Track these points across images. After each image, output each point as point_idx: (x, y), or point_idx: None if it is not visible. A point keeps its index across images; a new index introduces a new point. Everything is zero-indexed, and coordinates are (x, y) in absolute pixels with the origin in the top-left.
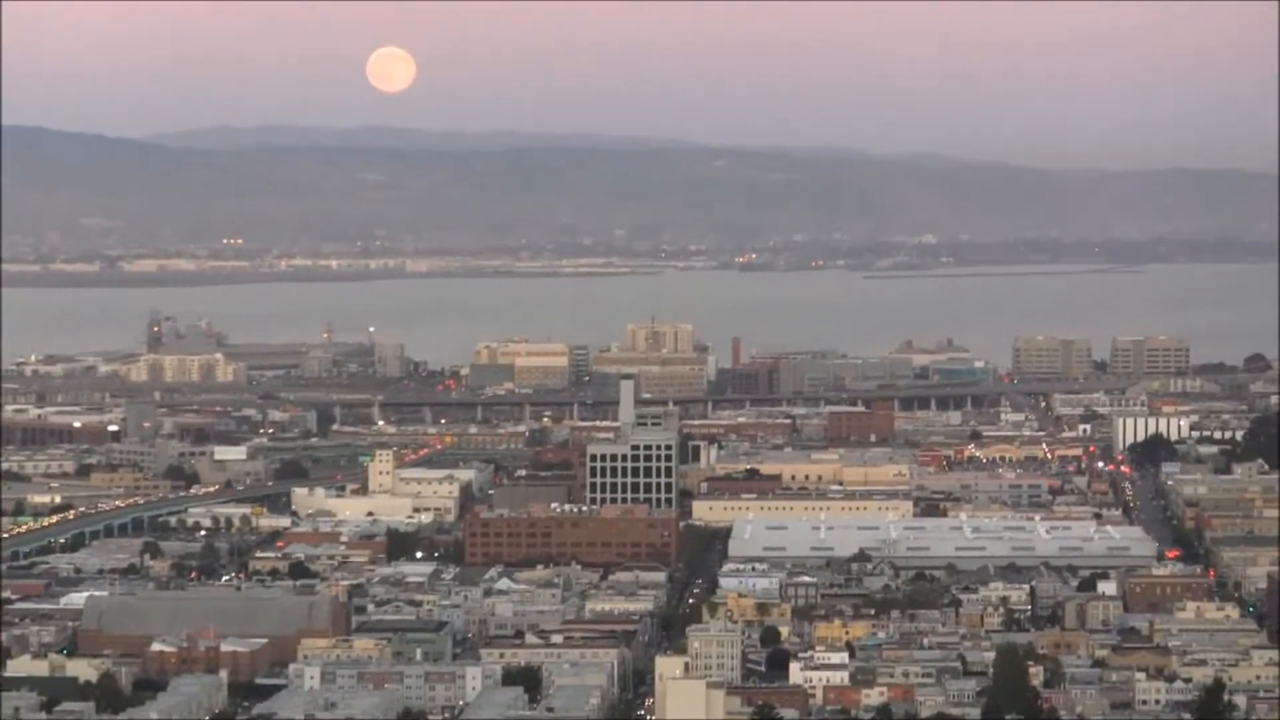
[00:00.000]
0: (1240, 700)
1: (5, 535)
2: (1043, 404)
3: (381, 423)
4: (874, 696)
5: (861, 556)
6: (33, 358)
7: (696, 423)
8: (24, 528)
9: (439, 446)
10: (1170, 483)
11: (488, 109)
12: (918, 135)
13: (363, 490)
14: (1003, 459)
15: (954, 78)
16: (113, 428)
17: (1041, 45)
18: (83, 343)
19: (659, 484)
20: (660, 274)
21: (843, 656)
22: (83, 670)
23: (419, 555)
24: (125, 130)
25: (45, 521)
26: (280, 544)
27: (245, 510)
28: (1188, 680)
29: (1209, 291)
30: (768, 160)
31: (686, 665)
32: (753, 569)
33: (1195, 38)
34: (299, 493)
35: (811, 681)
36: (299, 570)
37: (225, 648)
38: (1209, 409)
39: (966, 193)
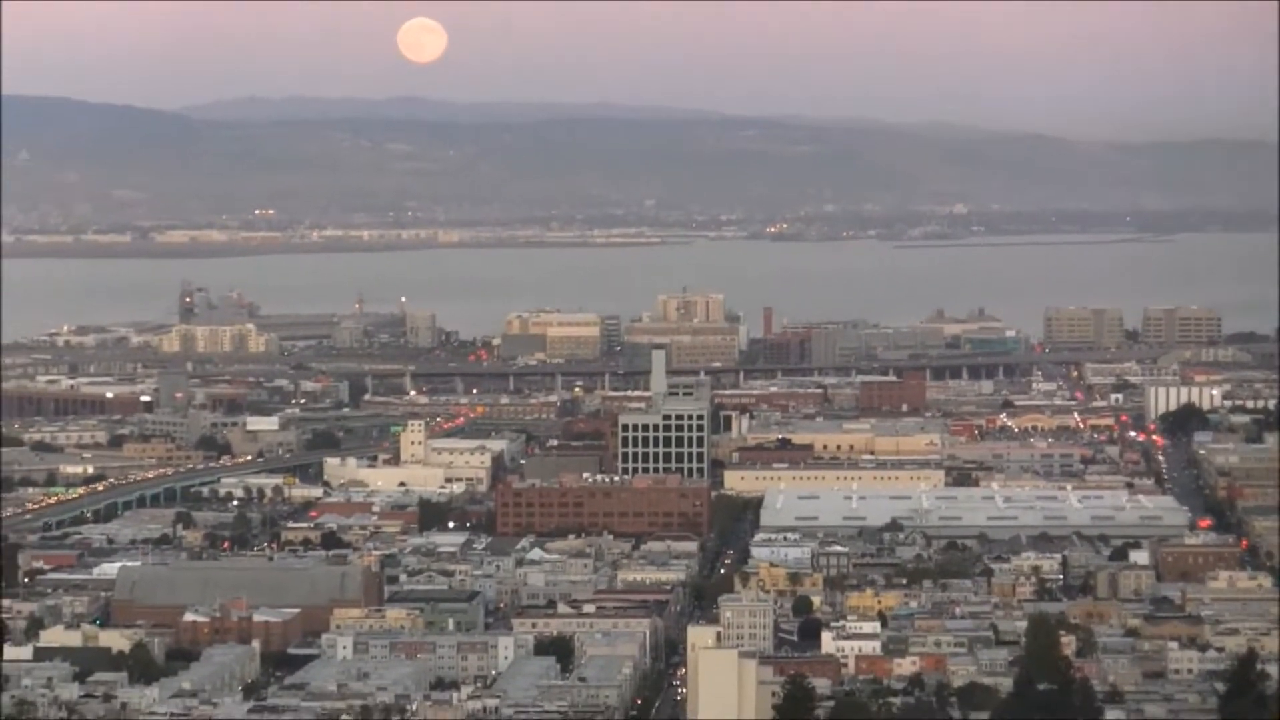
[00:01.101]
0: (1273, 670)
1: (38, 505)
2: (1074, 374)
3: (413, 393)
4: (906, 666)
5: (893, 526)
6: (65, 328)
7: (728, 393)
8: (56, 498)
9: (471, 417)
10: (1202, 452)
11: (518, 80)
12: (944, 106)
13: (395, 460)
14: (1034, 429)
15: (979, 51)
16: (145, 398)
17: (1068, 16)
18: (115, 314)
19: (691, 454)
20: (691, 244)
21: (875, 626)
22: (115, 641)
23: (451, 525)
24: (155, 102)
25: (78, 492)
26: (312, 514)
27: (277, 481)
28: (1220, 650)
29: (1240, 261)
30: (796, 131)
31: (719, 635)
32: (784, 539)
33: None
34: (331, 463)
35: (844, 651)
36: (331, 540)
37: (258, 618)
38: (1241, 378)
39: (995, 163)
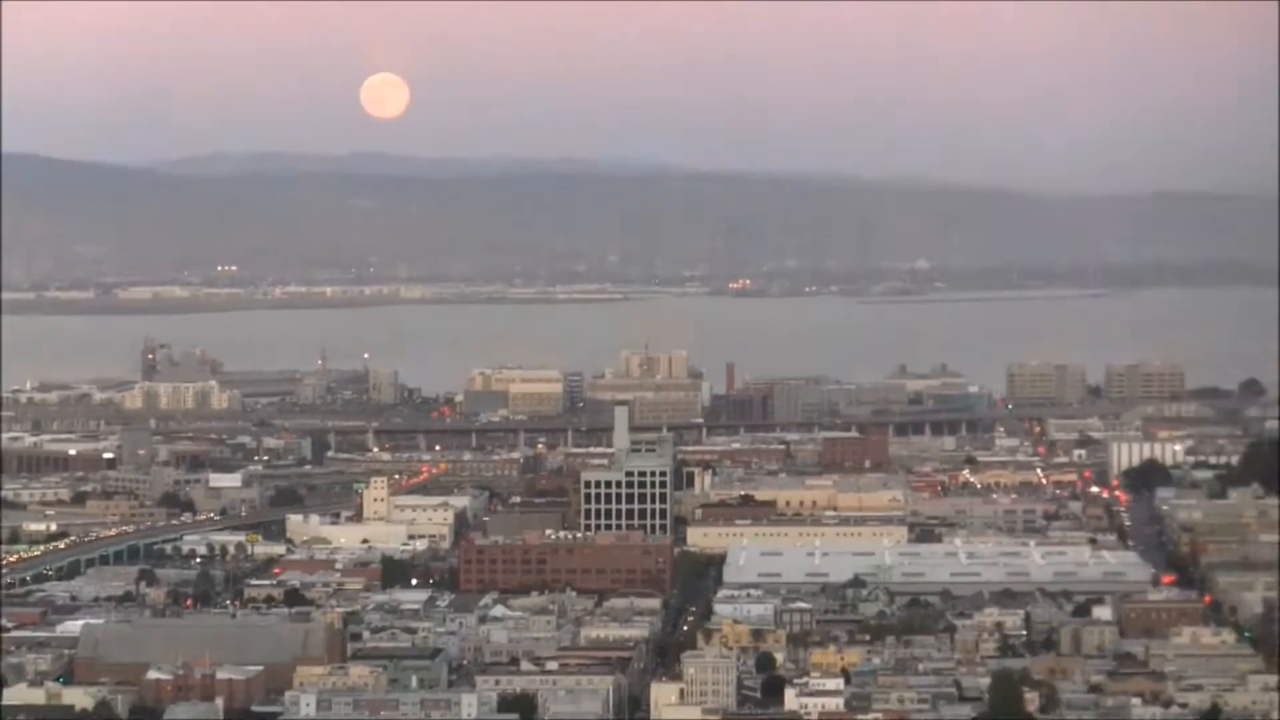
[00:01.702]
0: None
1: (6, 562)
2: (1037, 429)
3: (376, 450)
4: None
5: (856, 582)
6: (28, 385)
7: (691, 449)
8: (18, 556)
9: (434, 473)
10: (1165, 508)
11: (481, 136)
12: (906, 160)
13: (357, 517)
14: (997, 484)
15: (941, 102)
16: (108, 455)
17: (1024, 69)
18: (77, 370)
19: (653, 510)
20: (654, 300)
21: (838, 683)
22: (79, 698)
23: (414, 582)
24: (118, 157)
25: (41, 549)
26: (276, 571)
27: (240, 538)
28: (1184, 706)
29: (1202, 316)
30: (759, 186)
31: (682, 692)
32: (747, 595)
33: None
34: (294, 520)
35: (807, 708)
36: (294, 598)
37: (221, 675)
38: (1204, 434)
39: (957, 217)
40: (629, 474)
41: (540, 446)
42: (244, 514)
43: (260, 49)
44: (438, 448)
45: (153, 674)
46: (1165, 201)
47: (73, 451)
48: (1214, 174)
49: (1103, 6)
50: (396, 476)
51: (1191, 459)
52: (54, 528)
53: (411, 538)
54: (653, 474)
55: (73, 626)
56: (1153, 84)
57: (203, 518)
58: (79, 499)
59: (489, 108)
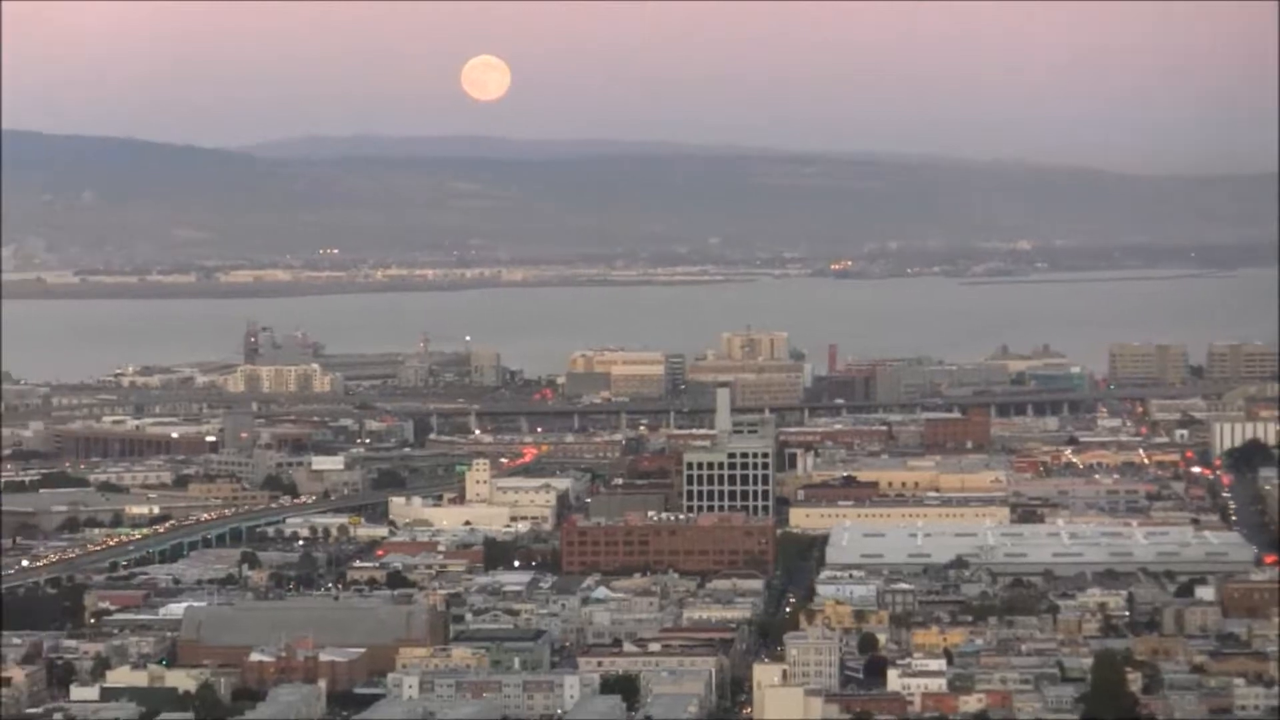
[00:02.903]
0: None
1: (103, 546)
2: (1139, 409)
3: (478, 432)
4: (971, 703)
5: (959, 563)
6: (130, 369)
7: (793, 430)
8: (119, 539)
9: (535, 455)
10: (1268, 488)
11: (582, 118)
12: (1001, 140)
13: (460, 499)
14: (1099, 465)
15: (1036, 83)
16: (210, 438)
17: (1123, 50)
18: (180, 354)
19: (756, 491)
20: (755, 281)
21: (940, 663)
22: (182, 681)
23: (516, 564)
24: (219, 141)
25: (143, 533)
26: (378, 553)
27: (343, 520)
28: None
29: None
30: (859, 167)
31: (784, 673)
32: (850, 576)
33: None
34: (396, 502)
35: (909, 688)
36: (396, 580)
37: (323, 657)
38: None
39: (1055, 198)
40: (731, 455)
41: (642, 428)
42: (346, 496)
43: (360, 31)
44: (539, 430)
45: (255, 656)
46: (1263, 182)
47: (175, 435)
48: None
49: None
50: (499, 459)
51: None
52: (156, 511)
53: (514, 519)
54: (755, 455)
55: (175, 609)
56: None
57: (305, 500)
58: (181, 482)
59: (590, 91)
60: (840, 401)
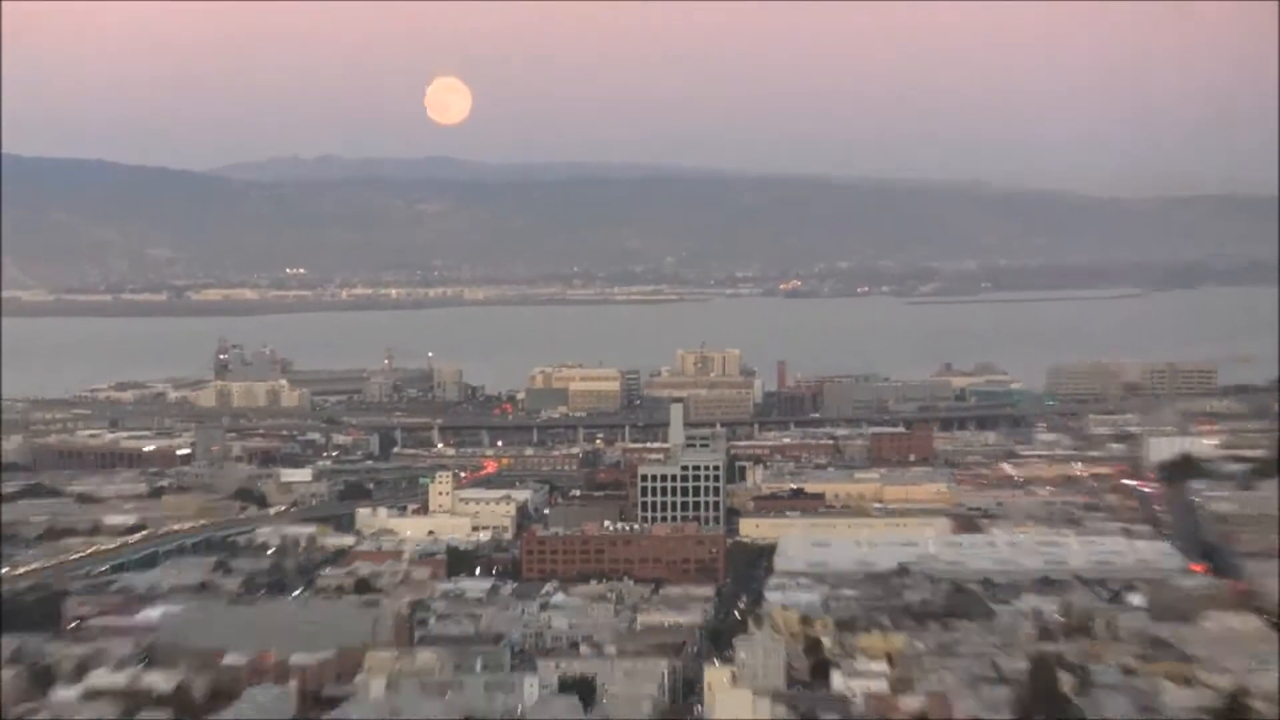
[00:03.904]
0: (1262, 706)
1: (83, 554)
2: (1076, 425)
3: (441, 445)
4: (912, 704)
5: (901, 570)
6: (105, 384)
7: (743, 444)
8: (93, 549)
9: (496, 468)
10: (1198, 499)
11: (543, 141)
12: (954, 162)
13: (423, 510)
14: (1037, 477)
15: (988, 107)
16: (182, 451)
17: (1071, 76)
18: (153, 370)
19: (707, 503)
20: (709, 301)
21: (882, 665)
22: (159, 682)
23: (478, 571)
24: (188, 163)
25: (119, 542)
26: (345, 561)
27: (311, 530)
28: (1212, 688)
29: (1234, 316)
30: (814, 190)
31: (734, 674)
32: (797, 583)
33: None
34: (363, 513)
35: (852, 689)
36: (364, 586)
37: (294, 660)
38: (1236, 428)
39: (1004, 219)
40: (684, 468)
41: (599, 442)
42: (314, 507)
43: (327, 55)
44: (500, 443)
45: (229, 659)
46: (1209, 204)
47: (149, 448)
48: (1254, 176)
49: (1134, 7)
50: (460, 471)
51: (1224, 452)
52: (132, 521)
53: (475, 529)
54: (707, 468)
55: (152, 614)
56: (1187, 89)
57: (275, 511)
58: (155, 493)
59: (552, 113)
60: (789, 417)
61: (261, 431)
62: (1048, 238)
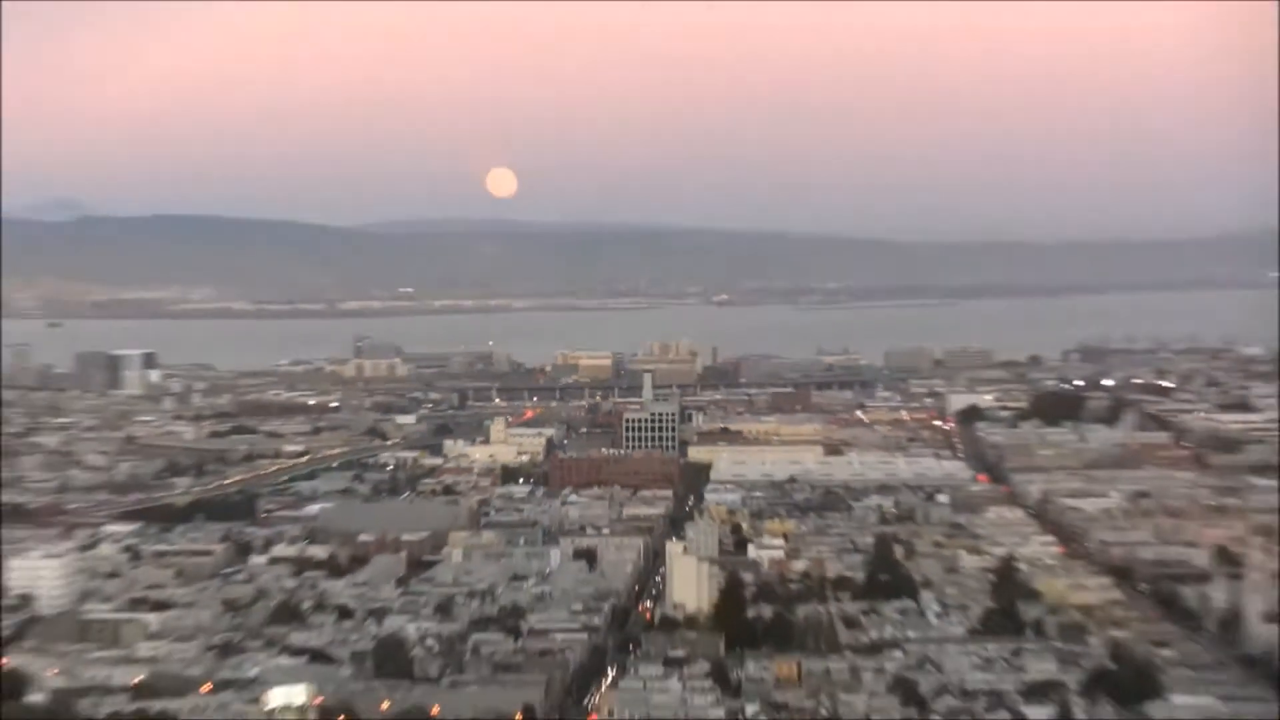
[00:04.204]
0: (1023, 566)
1: (269, 470)
2: (903, 387)
3: (497, 400)
4: (800, 565)
5: (791, 480)
6: (284, 361)
7: (690, 399)
8: (276, 467)
9: (533, 414)
10: (981, 434)
11: (564, 209)
12: (823, 218)
13: (486, 441)
14: (878, 420)
15: (851, 174)
16: (333, 404)
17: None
18: (315, 352)
19: (667, 437)
20: (667, 308)
21: (780, 541)
22: (318, 553)
23: (521, 481)
24: (342, 221)
25: (292, 462)
26: (436, 475)
27: (415, 454)
28: (991, 555)
29: (1006, 318)
30: (727, 237)
31: (685, 547)
32: (725, 489)
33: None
34: (448, 444)
35: (761, 557)
36: (448, 490)
37: (404, 538)
38: (1005, 389)
39: (857, 259)
40: (652, 415)
41: (598, 398)
42: (418, 439)
43: (418, 144)
44: (535, 399)
45: (362, 537)
46: (984, 249)
47: (311, 401)
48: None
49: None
50: (509, 416)
51: (996, 404)
52: (300, 449)
53: (519, 454)
54: (666, 415)
55: (313, 509)
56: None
57: (392, 442)
58: (315, 431)
59: (568, 191)
60: (719, 382)
61: (382, 392)
62: (879, 270)
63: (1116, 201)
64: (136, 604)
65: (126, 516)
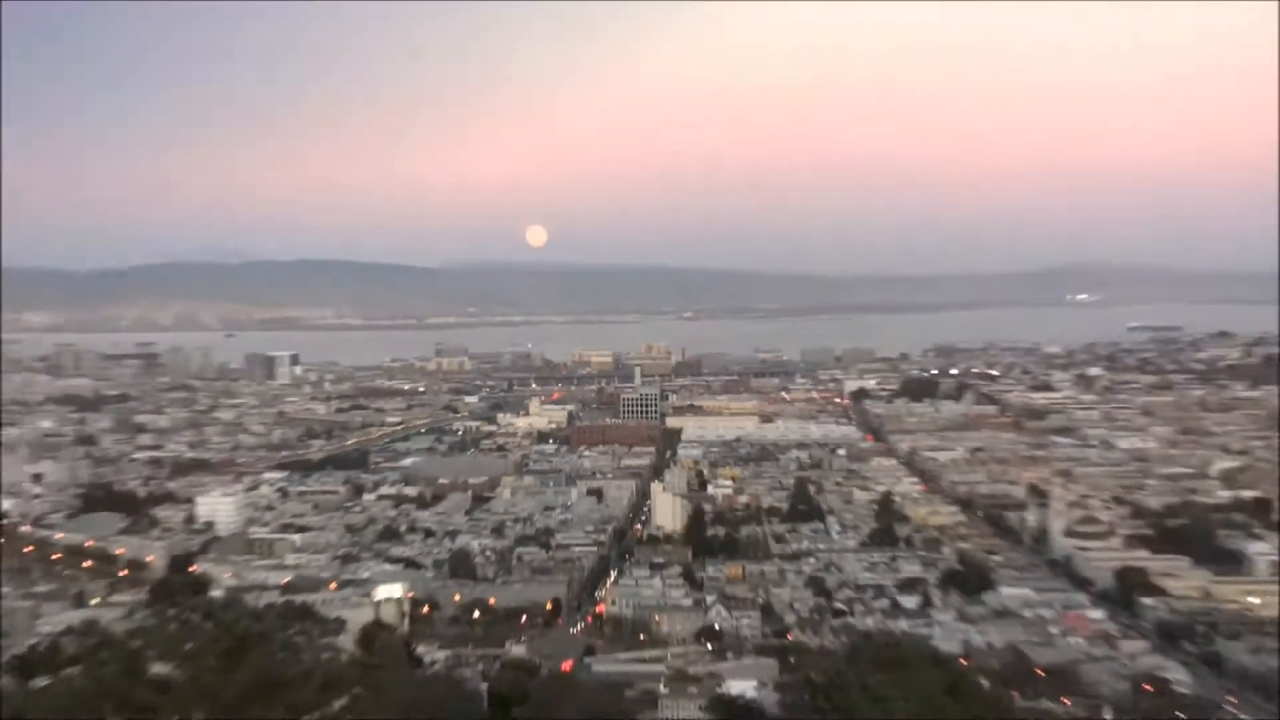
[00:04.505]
0: (898, 500)
1: (375, 435)
2: (815, 376)
3: (534, 386)
4: (744, 499)
5: (737, 440)
6: (386, 360)
7: (667, 385)
8: (380, 432)
9: (559, 395)
10: (867, 408)
11: (583, 251)
12: (766, 258)
13: (526, 414)
14: (797, 399)
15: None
16: (421, 389)
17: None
18: (408, 353)
19: (652, 411)
20: (651, 323)
21: (729, 482)
22: (409, 491)
23: (551, 441)
24: (426, 263)
25: (391, 429)
26: (492, 437)
27: (477, 423)
28: (876, 492)
29: (880, 328)
30: (700, 274)
31: (663, 487)
32: (691, 446)
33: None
34: (500, 416)
35: (716, 494)
36: (500, 448)
37: (470, 480)
38: (884, 376)
39: (789, 287)
40: (641, 395)
41: (603, 384)
42: (478, 413)
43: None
44: (559, 384)
45: (441, 481)
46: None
47: (405, 387)
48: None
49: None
50: (542, 397)
51: (878, 386)
52: (397, 420)
53: (549, 423)
54: (651, 395)
55: (406, 461)
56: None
57: (462, 414)
58: (409, 407)
59: (586, 237)
60: (687, 373)
61: (455, 381)
62: (803, 295)
63: (977, 243)
64: (285, 528)
65: (278, 467)
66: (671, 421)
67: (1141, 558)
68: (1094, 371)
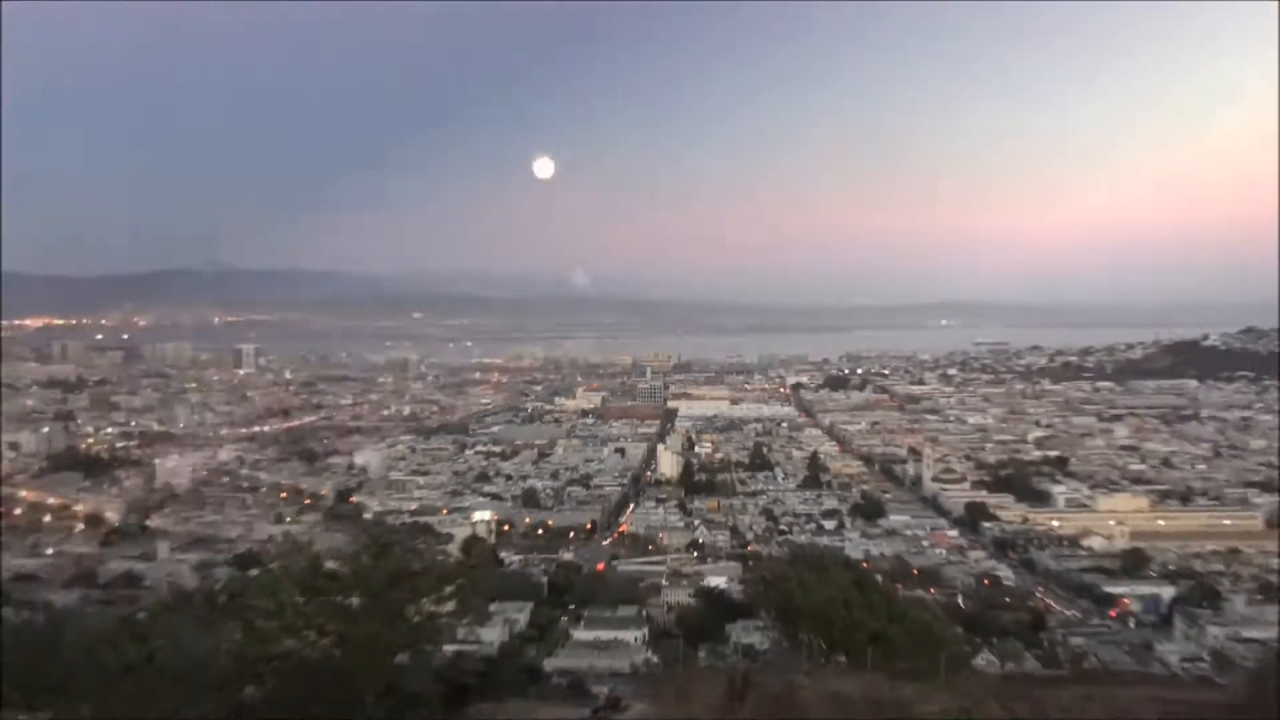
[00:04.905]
0: (822, 457)
1: (474, 410)
2: (769, 373)
3: (579, 378)
4: (719, 455)
5: (715, 417)
6: (483, 358)
7: (668, 379)
8: (476, 409)
9: (595, 386)
10: (803, 395)
11: (609, 288)
12: (747, 291)
13: (574, 397)
14: (754, 389)
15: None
16: (503, 380)
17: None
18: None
19: (659, 396)
20: (655, 338)
21: (710, 444)
22: (494, 449)
23: (591, 418)
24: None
25: (485, 407)
26: (551, 414)
27: (541, 404)
28: (805, 450)
29: (815, 342)
30: (693, 305)
31: (665, 446)
32: (684, 421)
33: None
34: (557, 399)
35: (699, 452)
36: (556, 421)
37: (535, 442)
38: (813, 374)
39: (738, 313)
40: (652, 386)
41: (623, 380)
42: (542, 397)
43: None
44: (596, 379)
45: (517, 442)
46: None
47: (494, 379)
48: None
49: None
50: (585, 386)
51: (810, 382)
52: (488, 400)
53: (589, 404)
54: (658, 386)
55: (494, 429)
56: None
57: (530, 398)
58: (495, 394)
59: (610, 275)
60: (684, 371)
61: (529, 375)
62: (766, 318)
63: (877, 284)
64: (414, 472)
65: (408, 433)
66: (671, 403)
67: (982, 496)
68: (952, 372)
